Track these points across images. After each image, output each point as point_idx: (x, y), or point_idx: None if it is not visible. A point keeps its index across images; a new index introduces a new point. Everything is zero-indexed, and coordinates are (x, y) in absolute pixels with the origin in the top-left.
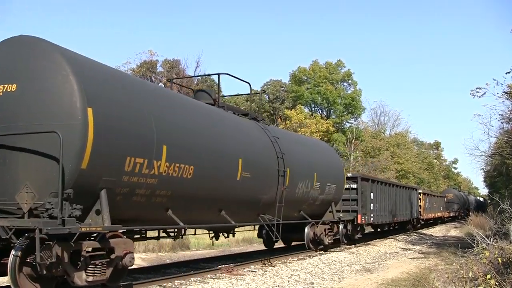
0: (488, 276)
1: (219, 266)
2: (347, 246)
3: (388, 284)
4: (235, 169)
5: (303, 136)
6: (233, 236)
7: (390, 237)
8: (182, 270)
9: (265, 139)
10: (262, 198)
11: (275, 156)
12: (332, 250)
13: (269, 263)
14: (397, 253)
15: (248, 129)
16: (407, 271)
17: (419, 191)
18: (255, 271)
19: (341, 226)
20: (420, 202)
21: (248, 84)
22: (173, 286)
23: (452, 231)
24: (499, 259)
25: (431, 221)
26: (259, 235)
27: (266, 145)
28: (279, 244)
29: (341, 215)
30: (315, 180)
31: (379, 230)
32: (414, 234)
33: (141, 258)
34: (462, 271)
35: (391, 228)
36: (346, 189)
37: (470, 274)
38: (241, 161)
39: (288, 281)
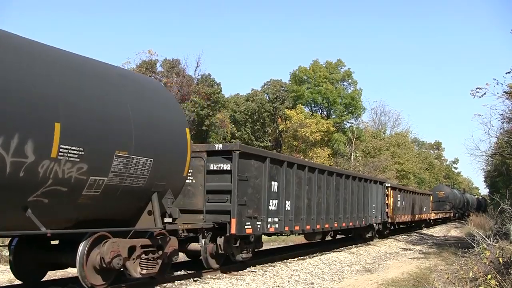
0: (489, 276)
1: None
2: (347, 246)
3: (389, 284)
4: None
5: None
6: None
7: (390, 237)
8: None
9: None
10: None
11: None
12: (333, 250)
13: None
14: (397, 253)
15: None
16: (408, 271)
17: (387, 184)
18: (255, 271)
19: (203, 241)
20: (388, 200)
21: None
22: (174, 286)
23: (452, 231)
24: (500, 259)
25: (413, 225)
26: None
27: None
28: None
29: (168, 219)
30: (56, 141)
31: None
32: (415, 234)
33: None
34: (462, 272)
35: (342, 237)
36: (211, 172)
37: (471, 274)
38: None
39: (289, 281)
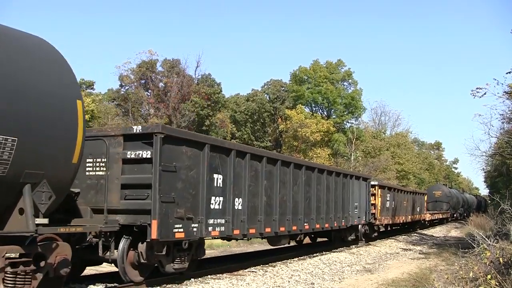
0: (489, 277)
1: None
2: (347, 247)
3: (389, 284)
4: None
5: None
6: None
7: (391, 237)
8: None
9: None
10: None
11: None
12: (333, 250)
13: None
14: (397, 253)
15: None
16: (408, 271)
17: (372, 182)
18: (255, 271)
19: (121, 246)
20: (375, 199)
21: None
22: (174, 286)
23: (452, 231)
24: (500, 259)
25: (405, 226)
26: None
27: None
28: None
29: (43, 220)
30: None
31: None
32: (415, 234)
33: None
34: (462, 272)
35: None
36: (129, 161)
37: (471, 274)
38: None
39: (289, 281)
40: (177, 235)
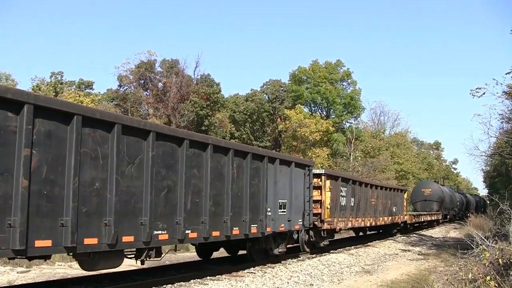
0: (488, 278)
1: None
2: (346, 247)
3: (388, 285)
4: None
5: None
6: None
7: (389, 238)
8: (181, 271)
9: None
10: None
11: None
12: (332, 252)
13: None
14: (396, 254)
15: None
16: (407, 272)
17: (317, 171)
18: (254, 273)
19: None
20: (321, 194)
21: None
22: (173, 286)
23: (451, 232)
24: (499, 260)
25: (381, 231)
26: None
27: None
28: None
29: None
30: None
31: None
32: (414, 235)
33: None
34: (461, 273)
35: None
36: None
37: (470, 275)
38: None
39: (288, 282)
40: None
